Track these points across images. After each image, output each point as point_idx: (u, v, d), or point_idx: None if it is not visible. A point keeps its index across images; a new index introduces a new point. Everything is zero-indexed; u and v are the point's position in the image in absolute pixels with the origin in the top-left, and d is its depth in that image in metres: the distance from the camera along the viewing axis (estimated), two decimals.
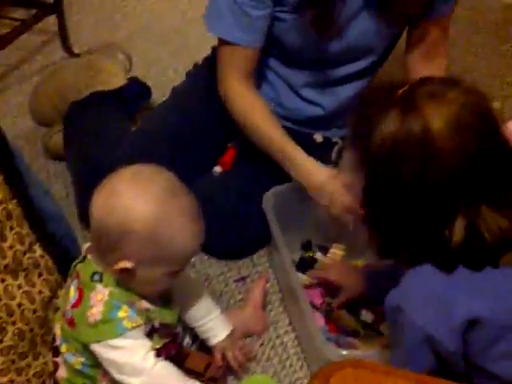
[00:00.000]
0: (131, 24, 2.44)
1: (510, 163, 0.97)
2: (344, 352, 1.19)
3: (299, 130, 1.60)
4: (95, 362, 1.13)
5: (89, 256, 1.14)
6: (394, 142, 0.94)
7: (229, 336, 1.26)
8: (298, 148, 1.42)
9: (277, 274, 1.52)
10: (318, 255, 1.53)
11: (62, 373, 1.17)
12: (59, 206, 1.42)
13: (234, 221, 1.48)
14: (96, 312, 1.08)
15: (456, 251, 0.94)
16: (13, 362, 1.16)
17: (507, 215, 0.95)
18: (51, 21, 2.23)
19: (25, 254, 1.19)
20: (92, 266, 1.12)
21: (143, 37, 2.36)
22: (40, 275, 1.22)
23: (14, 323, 1.15)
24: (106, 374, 1.13)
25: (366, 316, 1.38)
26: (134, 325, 1.09)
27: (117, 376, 1.10)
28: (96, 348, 1.09)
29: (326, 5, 1.35)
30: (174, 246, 1.08)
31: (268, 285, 1.48)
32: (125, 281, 1.10)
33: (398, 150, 0.94)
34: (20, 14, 2.25)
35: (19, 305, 1.16)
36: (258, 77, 1.55)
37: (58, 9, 2.16)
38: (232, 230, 1.48)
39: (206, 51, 1.71)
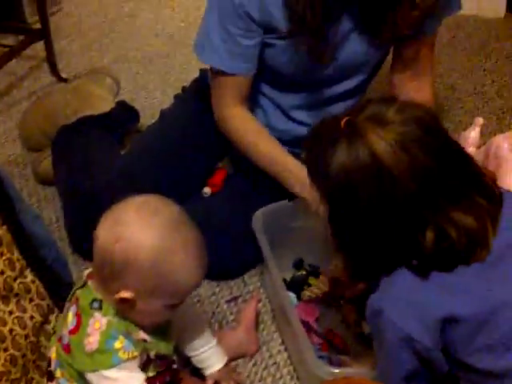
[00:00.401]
0: (119, 48, 2.46)
1: (464, 165, 1.00)
2: (336, 370, 1.19)
3: (290, 151, 1.61)
4: None
5: (89, 282, 1.14)
6: (346, 172, 0.97)
7: (224, 367, 1.27)
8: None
9: (268, 293, 1.53)
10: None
11: None
12: (49, 231, 1.43)
13: (225, 242, 1.48)
14: (93, 341, 1.08)
15: (429, 256, 0.97)
16: None
17: (472, 214, 0.97)
18: (39, 47, 2.25)
19: (16, 279, 1.19)
20: (92, 293, 1.12)
21: (131, 61, 2.38)
22: (31, 300, 1.21)
23: (5, 349, 1.15)
24: None
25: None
26: (130, 356, 1.08)
27: None
28: (90, 377, 1.09)
29: (320, 31, 1.36)
30: (176, 279, 1.08)
31: (260, 304, 1.49)
32: (124, 311, 1.10)
33: (351, 179, 0.97)
34: (8, 40, 2.27)
35: (11, 331, 1.16)
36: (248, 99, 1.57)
37: (45, 34, 2.17)
38: (223, 251, 1.48)
39: (194, 74, 1.73)
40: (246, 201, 1.49)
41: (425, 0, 1.32)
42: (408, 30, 1.40)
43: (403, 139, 0.95)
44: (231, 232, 1.49)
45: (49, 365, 1.18)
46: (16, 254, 1.20)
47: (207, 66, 1.54)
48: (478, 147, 1.75)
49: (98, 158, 1.68)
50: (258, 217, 1.44)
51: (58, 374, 1.15)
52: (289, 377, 1.37)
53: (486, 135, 1.87)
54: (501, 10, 2.71)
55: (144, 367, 1.13)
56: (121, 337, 1.09)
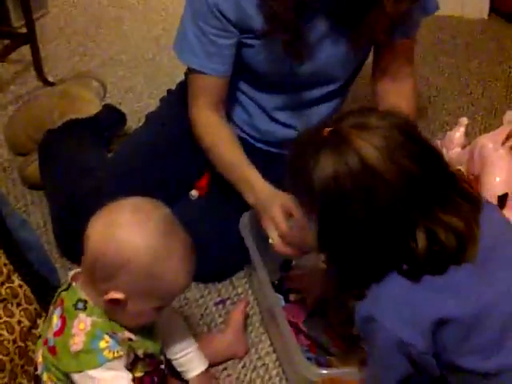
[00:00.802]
0: (105, 52, 2.46)
1: (444, 169, 1.01)
2: (324, 371, 1.19)
3: (277, 152, 1.61)
4: None
5: (74, 284, 1.14)
6: (336, 181, 0.96)
7: (204, 372, 1.27)
8: (257, 173, 1.43)
9: (256, 295, 1.53)
10: None
11: None
12: (37, 235, 1.43)
13: (213, 244, 1.48)
14: (78, 341, 1.08)
15: (421, 260, 0.97)
16: None
17: (458, 215, 0.98)
18: (25, 51, 2.25)
19: (3, 284, 1.19)
20: (77, 294, 1.12)
21: (117, 64, 2.38)
22: (19, 305, 1.21)
23: None
24: None
25: None
26: (115, 355, 1.09)
27: None
28: (76, 378, 1.09)
29: (296, 29, 1.37)
30: (167, 281, 1.09)
31: (248, 307, 1.49)
32: (111, 311, 1.10)
33: (342, 187, 0.96)
34: None
35: None
36: (231, 100, 1.57)
37: (31, 39, 2.17)
38: (211, 254, 1.48)
39: (181, 77, 1.73)
40: (233, 203, 1.49)
41: (397, 7, 1.31)
42: (384, 35, 1.40)
43: (390, 144, 0.95)
44: (219, 235, 1.49)
45: (36, 369, 1.18)
46: (3, 259, 1.20)
47: None
48: (463, 147, 1.77)
49: (85, 161, 1.67)
50: (246, 219, 1.45)
51: (44, 377, 1.14)
52: (278, 378, 1.37)
53: (470, 135, 1.90)
54: (484, 10, 2.73)
55: (132, 367, 1.14)
56: (106, 336, 1.09)
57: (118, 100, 2.09)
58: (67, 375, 1.11)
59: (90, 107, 1.84)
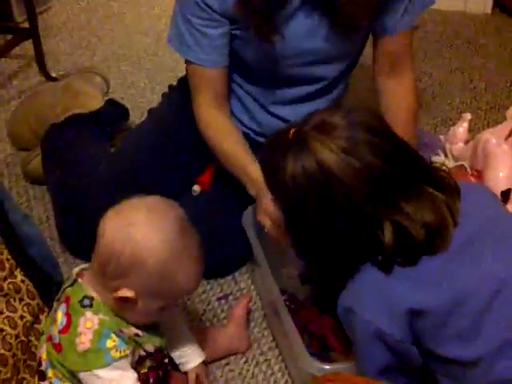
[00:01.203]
0: (107, 47, 2.45)
1: (413, 160, 1.03)
2: (326, 366, 1.19)
3: None
4: None
5: (80, 280, 1.14)
6: (294, 182, 0.99)
7: (202, 364, 1.28)
8: (256, 165, 1.42)
9: (259, 290, 1.53)
10: None
11: None
12: (39, 230, 1.43)
13: (215, 240, 1.48)
14: (85, 340, 1.08)
15: (390, 251, 0.99)
16: None
17: (428, 206, 1.00)
18: (27, 46, 2.24)
19: (5, 279, 1.19)
20: (83, 290, 1.12)
21: (119, 59, 2.38)
22: (21, 300, 1.21)
23: None
24: None
25: None
26: (122, 354, 1.09)
27: None
28: (83, 376, 1.10)
29: (264, 10, 1.36)
30: (179, 281, 1.10)
31: (251, 302, 1.49)
32: (120, 308, 1.11)
33: (299, 188, 1.00)
34: None
35: (1, 330, 1.16)
36: (231, 94, 1.57)
37: (33, 34, 2.17)
38: (213, 250, 1.48)
39: (182, 71, 1.72)
40: (235, 198, 1.49)
41: None
42: (365, 20, 1.40)
43: (349, 144, 0.97)
44: (221, 230, 1.49)
45: (39, 365, 1.18)
46: (5, 254, 1.20)
47: None
48: (466, 142, 1.77)
49: (88, 156, 1.67)
50: (248, 214, 1.45)
51: (49, 373, 1.14)
52: (280, 373, 1.37)
53: (474, 131, 1.89)
54: (488, 5, 2.72)
55: (141, 362, 1.15)
56: (113, 335, 1.09)
57: (120, 95, 2.09)
58: (72, 373, 1.11)
59: (93, 102, 1.84)
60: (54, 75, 2.22)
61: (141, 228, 1.07)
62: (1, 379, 1.15)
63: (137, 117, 1.96)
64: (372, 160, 0.97)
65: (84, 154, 1.68)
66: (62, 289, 1.17)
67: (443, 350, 0.99)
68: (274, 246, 1.44)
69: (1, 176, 1.81)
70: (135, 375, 1.12)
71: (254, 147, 1.50)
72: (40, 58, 2.21)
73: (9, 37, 2.20)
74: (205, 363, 1.30)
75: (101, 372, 1.08)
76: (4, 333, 1.16)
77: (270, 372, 1.38)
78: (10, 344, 1.17)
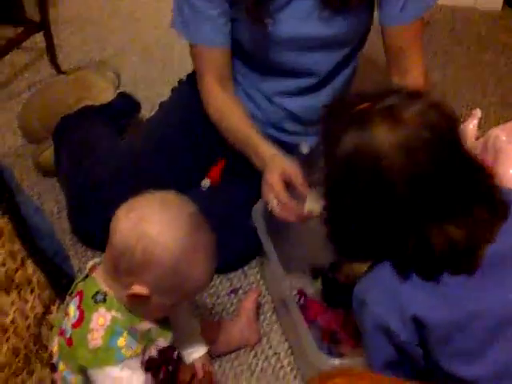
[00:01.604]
0: (118, 41, 2.45)
1: (473, 177, 0.98)
2: (336, 361, 1.20)
3: (285, 140, 1.62)
4: None
5: (93, 274, 1.14)
6: (347, 160, 0.97)
7: (206, 354, 1.28)
8: (262, 138, 1.44)
9: (268, 284, 1.53)
10: None
11: None
12: (50, 223, 1.43)
13: (225, 235, 1.47)
14: (97, 337, 1.08)
15: (407, 256, 0.97)
16: (7, 379, 1.16)
17: (465, 228, 0.96)
18: (39, 38, 2.24)
19: (17, 270, 1.19)
20: (96, 285, 1.12)
21: (130, 53, 2.38)
22: (32, 291, 1.22)
23: (7, 340, 1.15)
24: None
25: None
26: (133, 353, 1.09)
27: None
28: (92, 373, 1.10)
29: None
30: (193, 279, 1.10)
31: (260, 296, 1.49)
32: (133, 304, 1.11)
33: (350, 168, 0.97)
34: (7, 31, 2.26)
35: (12, 321, 1.16)
36: (234, 83, 1.58)
37: (44, 26, 2.17)
38: (223, 245, 1.48)
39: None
40: (245, 192, 1.49)
41: None
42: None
43: (410, 142, 0.93)
44: (231, 225, 1.49)
45: (51, 357, 1.18)
46: (17, 246, 1.21)
47: None
48: (477, 139, 1.76)
49: (100, 146, 1.68)
50: (258, 208, 1.45)
51: (61, 367, 1.15)
52: (289, 367, 1.38)
53: (484, 127, 1.88)
54: (498, 2, 2.71)
55: (152, 361, 1.15)
56: (125, 333, 1.09)
57: (131, 88, 2.08)
58: (82, 368, 1.11)
59: (105, 95, 1.84)
60: (64, 68, 2.22)
61: (153, 225, 1.06)
62: (12, 370, 1.16)
63: (148, 110, 1.96)
64: (426, 164, 0.93)
65: (96, 144, 1.69)
66: (74, 283, 1.18)
67: (445, 365, 0.98)
68: (285, 240, 1.45)
69: (12, 168, 1.81)
70: (143, 377, 1.11)
71: None
72: (51, 51, 2.21)
73: (20, 29, 2.20)
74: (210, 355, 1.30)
75: (110, 370, 1.08)
76: (16, 324, 1.17)
77: (279, 366, 1.38)
78: (22, 335, 1.17)
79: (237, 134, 1.48)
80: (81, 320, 1.10)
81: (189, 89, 1.66)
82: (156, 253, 1.05)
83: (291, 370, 1.37)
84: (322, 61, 1.54)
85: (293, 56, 1.51)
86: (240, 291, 1.53)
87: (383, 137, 0.94)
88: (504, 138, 1.60)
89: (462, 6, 2.66)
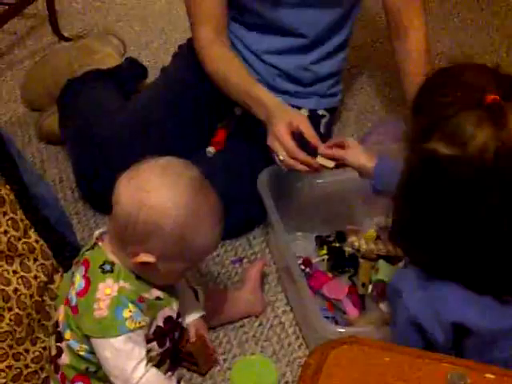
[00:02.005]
0: (120, 7, 2.42)
1: None
2: (342, 330, 1.19)
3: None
4: None
5: (100, 244, 1.13)
6: (487, 156, 0.85)
7: (201, 318, 1.27)
8: (265, 89, 1.43)
9: (273, 253, 1.52)
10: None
11: (64, 359, 1.16)
12: (53, 191, 1.42)
13: (230, 201, 1.46)
14: (103, 307, 1.07)
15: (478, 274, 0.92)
16: (10, 347, 1.16)
17: None
18: (40, 5, 2.22)
19: (19, 239, 1.19)
20: (103, 254, 1.11)
21: (132, 20, 2.35)
22: (35, 260, 1.21)
23: (10, 309, 1.15)
24: None
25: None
26: (137, 326, 1.08)
27: (106, 372, 1.11)
28: (95, 342, 1.09)
29: None
30: (199, 243, 1.09)
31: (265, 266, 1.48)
32: (140, 271, 1.10)
33: (479, 166, 0.86)
34: None
35: (15, 290, 1.16)
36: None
37: None
38: (228, 211, 1.47)
39: None
40: (251, 159, 1.47)
41: None
42: None
43: None
44: (236, 191, 1.47)
45: (57, 326, 1.18)
46: (19, 214, 1.20)
47: None
48: None
49: (107, 105, 1.67)
50: (264, 176, 1.43)
51: (67, 335, 1.14)
52: (294, 336, 1.37)
53: None
54: None
55: (161, 338, 1.16)
56: (130, 305, 1.08)
57: (134, 56, 2.06)
58: (86, 336, 1.10)
59: (110, 61, 1.83)
60: (66, 35, 2.19)
61: (154, 192, 1.05)
62: (15, 338, 1.16)
63: (150, 78, 1.94)
64: None
65: (103, 105, 1.67)
66: (81, 252, 1.17)
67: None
68: (290, 210, 1.44)
69: (14, 137, 1.80)
70: (143, 353, 1.10)
71: None
72: (53, 18, 2.18)
73: None
74: (214, 328, 1.31)
75: (114, 342, 1.08)
76: (19, 292, 1.17)
77: (284, 335, 1.37)
78: (25, 304, 1.17)
79: (235, 85, 1.45)
80: (86, 289, 1.10)
81: (189, 53, 1.64)
82: (158, 221, 1.05)
83: (296, 338, 1.37)
84: (317, 17, 1.54)
85: (287, 12, 1.50)
86: (245, 260, 1.52)
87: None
88: None
89: None
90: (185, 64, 1.67)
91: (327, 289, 1.41)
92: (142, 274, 1.11)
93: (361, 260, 1.44)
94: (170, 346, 1.19)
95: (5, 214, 1.17)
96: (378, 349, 0.92)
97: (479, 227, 0.90)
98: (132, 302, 1.09)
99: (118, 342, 1.08)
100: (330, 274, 1.45)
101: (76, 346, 1.13)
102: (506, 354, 0.94)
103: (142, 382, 1.10)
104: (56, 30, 2.19)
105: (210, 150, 1.61)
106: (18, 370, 1.17)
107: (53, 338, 1.18)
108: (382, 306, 1.34)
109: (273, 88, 1.61)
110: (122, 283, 1.09)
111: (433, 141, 0.88)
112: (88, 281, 1.10)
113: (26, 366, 1.18)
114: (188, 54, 1.66)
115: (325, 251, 1.48)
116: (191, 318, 1.26)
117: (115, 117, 1.59)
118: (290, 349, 1.35)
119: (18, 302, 1.16)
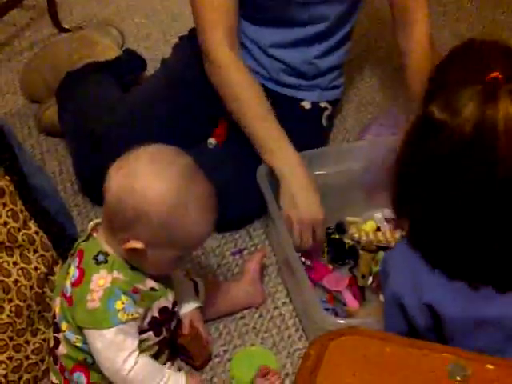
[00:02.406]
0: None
1: None
2: (342, 321, 1.19)
3: (285, 94, 1.62)
4: None
5: (94, 234, 1.14)
6: (474, 129, 0.86)
7: (197, 309, 1.27)
8: (270, 134, 1.42)
9: (273, 245, 1.52)
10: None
11: (61, 349, 1.16)
12: (53, 183, 1.42)
13: (230, 193, 1.47)
14: (96, 298, 1.08)
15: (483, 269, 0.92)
16: (11, 339, 1.16)
17: None
18: None
19: (19, 230, 1.19)
20: (97, 245, 1.12)
21: (132, 12, 2.33)
22: (35, 252, 1.22)
23: (10, 300, 1.15)
24: None
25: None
26: (129, 317, 1.09)
27: (98, 363, 1.11)
28: (87, 333, 1.10)
29: None
30: (189, 230, 1.09)
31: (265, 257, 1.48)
32: (133, 259, 1.11)
33: (464, 138, 0.86)
34: None
35: (15, 282, 1.16)
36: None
37: None
38: (228, 203, 1.47)
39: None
40: (249, 152, 1.46)
41: None
42: None
43: None
44: (236, 183, 1.47)
45: (54, 317, 1.18)
46: (19, 206, 1.20)
47: None
48: None
49: (105, 99, 1.66)
50: (263, 169, 1.43)
51: (63, 327, 1.14)
52: (294, 328, 1.37)
53: None
54: None
55: (159, 326, 1.16)
56: (123, 297, 1.08)
57: (134, 48, 2.05)
58: (79, 328, 1.11)
59: (109, 53, 1.82)
60: (66, 26, 2.19)
61: (141, 179, 1.06)
62: (15, 330, 1.16)
63: (150, 70, 1.93)
64: None
65: (103, 96, 1.67)
66: (76, 243, 1.17)
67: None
68: None
69: (14, 128, 1.79)
70: (136, 344, 1.11)
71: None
72: (53, 9, 2.17)
73: None
74: (213, 319, 1.31)
75: (106, 333, 1.08)
76: (19, 284, 1.17)
77: (284, 327, 1.37)
78: (25, 295, 1.17)
79: (256, 120, 1.43)
80: (80, 279, 1.10)
81: (190, 44, 1.64)
82: (144, 208, 1.05)
83: (296, 330, 1.37)
84: (324, 15, 1.54)
85: (298, 9, 1.49)
86: (245, 252, 1.52)
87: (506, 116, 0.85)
88: None
89: None
90: (186, 56, 1.66)
91: (327, 281, 1.41)
92: (134, 263, 1.11)
93: (361, 252, 1.44)
94: (166, 336, 1.19)
95: (4, 205, 1.17)
96: (378, 339, 0.92)
97: (457, 203, 0.89)
98: (125, 293, 1.09)
99: (109, 333, 1.08)
100: (330, 266, 1.45)
101: (72, 337, 1.13)
102: (481, 343, 0.94)
103: (131, 373, 1.10)
104: (56, 22, 2.18)
105: (211, 141, 1.61)
106: (19, 362, 1.18)
107: (51, 329, 1.19)
108: (382, 297, 1.34)
109: (277, 82, 1.61)
110: (115, 274, 1.09)
111: (433, 104, 0.90)
112: (82, 272, 1.11)
113: (27, 358, 1.19)
114: (189, 45, 1.65)
115: (325, 243, 1.48)
116: (186, 309, 1.25)
117: (114, 110, 1.58)
118: (290, 340, 1.35)
119: (18, 293, 1.16)
